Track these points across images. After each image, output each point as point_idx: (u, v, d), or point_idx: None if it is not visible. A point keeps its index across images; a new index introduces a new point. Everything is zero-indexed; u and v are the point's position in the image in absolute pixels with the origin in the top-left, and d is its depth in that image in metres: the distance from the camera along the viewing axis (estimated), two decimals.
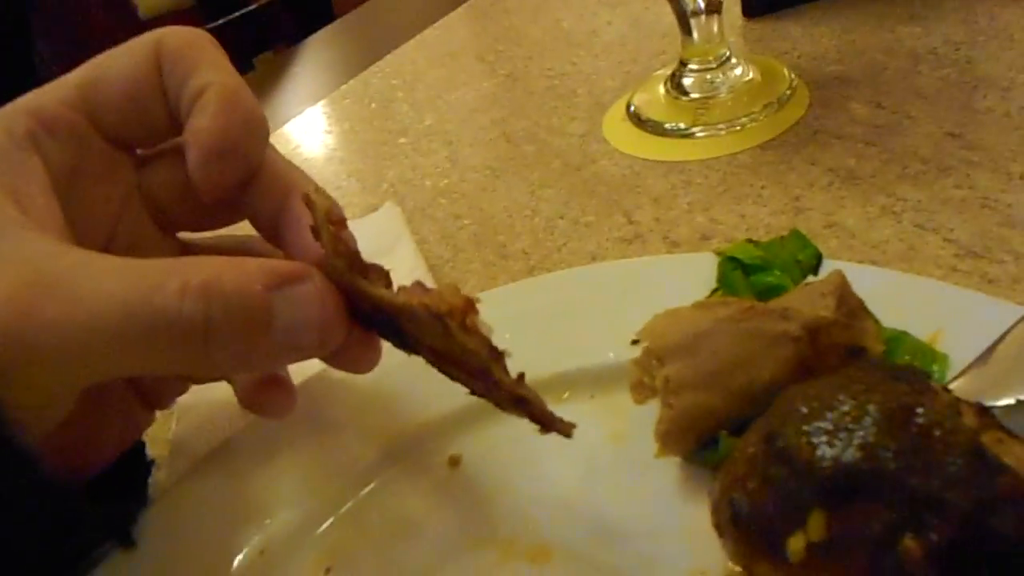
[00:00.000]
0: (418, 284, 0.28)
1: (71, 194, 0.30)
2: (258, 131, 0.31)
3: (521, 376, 0.27)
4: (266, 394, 0.33)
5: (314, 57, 0.93)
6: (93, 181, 0.31)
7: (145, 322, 0.25)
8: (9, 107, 0.30)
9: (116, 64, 0.31)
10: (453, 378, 0.30)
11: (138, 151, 0.33)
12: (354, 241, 0.29)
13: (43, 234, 0.27)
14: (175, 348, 0.25)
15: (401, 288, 0.28)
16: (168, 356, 0.26)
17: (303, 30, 1.21)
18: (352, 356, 0.31)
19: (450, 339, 0.27)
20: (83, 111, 0.30)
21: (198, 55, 0.31)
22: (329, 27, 0.98)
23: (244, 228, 0.35)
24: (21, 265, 0.25)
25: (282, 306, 0.26)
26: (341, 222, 0.28)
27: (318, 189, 0.29)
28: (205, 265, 0.26)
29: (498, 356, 0.27)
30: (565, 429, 0.27)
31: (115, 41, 0.32)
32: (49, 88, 0.31)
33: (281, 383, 0.34)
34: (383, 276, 0.28)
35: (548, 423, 0.27)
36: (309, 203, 0.28)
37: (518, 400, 0.27)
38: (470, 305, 0.27)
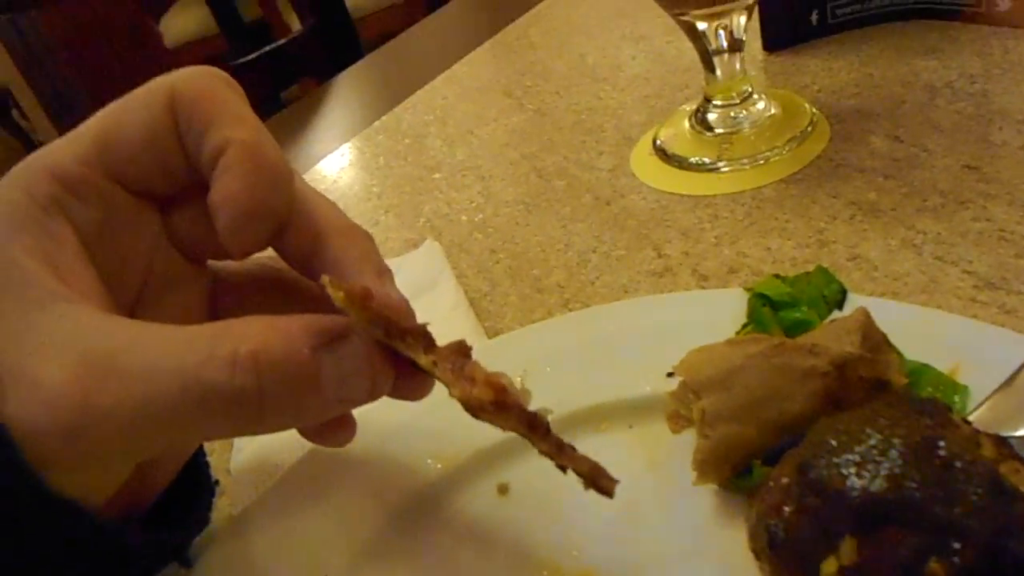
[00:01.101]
0: (457, 348, 0.29)
1: (101, 251, 0.30)
2: (285, 185, 0.30)
3: (561, 443, 0.28)
4: (327, 429, 0.35)
5: (345, 94, 0.96)
6: (121, 235, 0.31)
7: (199, 397, 0.25)
8: (24, 166, 0.30)
9: (131, 117, 0.30)
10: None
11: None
12: (392, 303, 0.30)
13: (87, 307, 0.27)
14: (231, 419, 0.26)
15: (439, 354, 0.28)
16: (223, 426, 0.27)
17: (331, 63, 1.24)
18: (404, 388, 0.31)
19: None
20: (101, 167, 0.30)
21: (215, 105, 0.30)
22: (358, 64, 1.02)
23: None
24: (72, 346, 0.26)
25: (330, 364, 0.27)
26: (367, 296, 0.28)
27: (331, 281, 0.28)
28: (251, 331, 0.26)
29: (536, 427, 0.28)
30: (607, 487, 0.28)
31: (141, 69, 0.32)
32: (64, 144, 0.30)
33: (341, 417, 0.35)
34: (421, 337, 0.29)
35: (590, 481, 0.28)
36: (327, 296, 0.28)
37: (560, 465, 0.28)
38: (502, 394, 0.27)
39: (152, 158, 0.30)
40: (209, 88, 0.30)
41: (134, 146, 0.30)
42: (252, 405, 0.26)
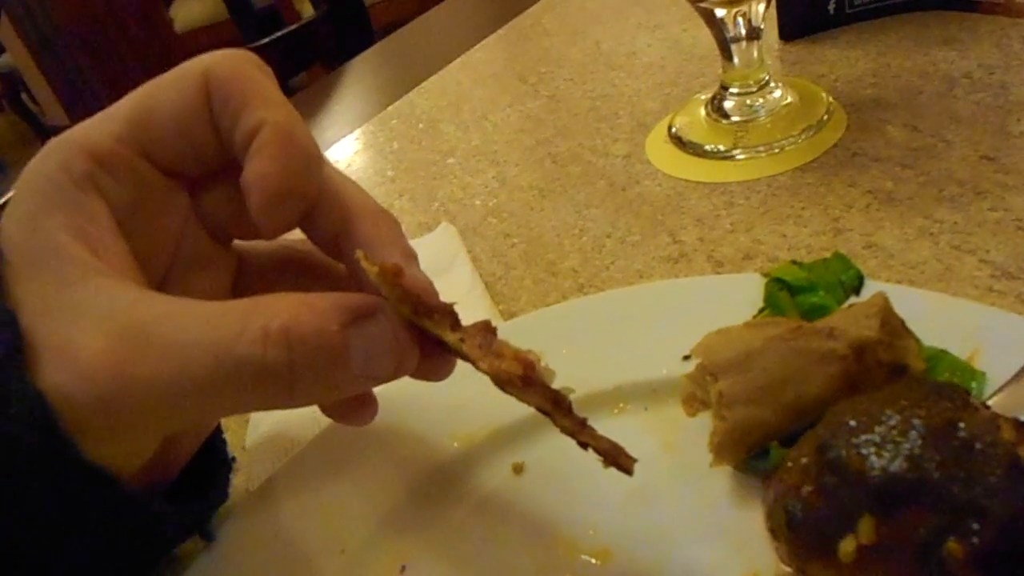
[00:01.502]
0: (483, 327, 0.29)
1: (133, 229, 0.30)
2: (316, 167, 0.31)
3: (583, 422, 0.28)
4: (350, 407, 0.35)
5: (358, 79, 0.97)
6: (152, 214, 0.31)
7: (232, 370, 0.26)
8: (60, 142, 0.30)
9: (165, 97, 0.31)
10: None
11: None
12: (419, 283, 0.30)
13: (122, 281, 0.28)
14: (261, 393, 0.27)
15: (466, 332, 0.29)
16: (254, 399, 0.27)
17: (342, 50, 1.24)
18: (427, 368, 0.32)
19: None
20: (134, 145, 0.30)
21: (248, 86, 0.30)
22: (371, 50, 1.02)
23: None
24: (107, 319, 0.26)
25: (358, 341, 0.27)
26: (399, 272, 0.28)
27: (365, 256, 0.29)
28: (282, 307, 0.26)
29: (559, 404, 0.28)
30: (627, 465, 0.29)
31: (152, 55, 0.32)
32: (98, 122, 0.31)
33: (363, 396, 0.35)
34: (448, 315, 0.29)
35: (610, 459, 0.28)
36: (360, 271, 0.29)
37: (581, 443, 0.29)
38: (530, 369, 0.28)
39: (184, 138, 0.31)
40: (242, 70, 0.31)
41: (167, 126, 0.31)
42: (283, 379, 0.26)
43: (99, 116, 0.31)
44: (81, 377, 0.25)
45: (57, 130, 0.32)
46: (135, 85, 0.32)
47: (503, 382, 0.28)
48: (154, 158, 0.31)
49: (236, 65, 0.31)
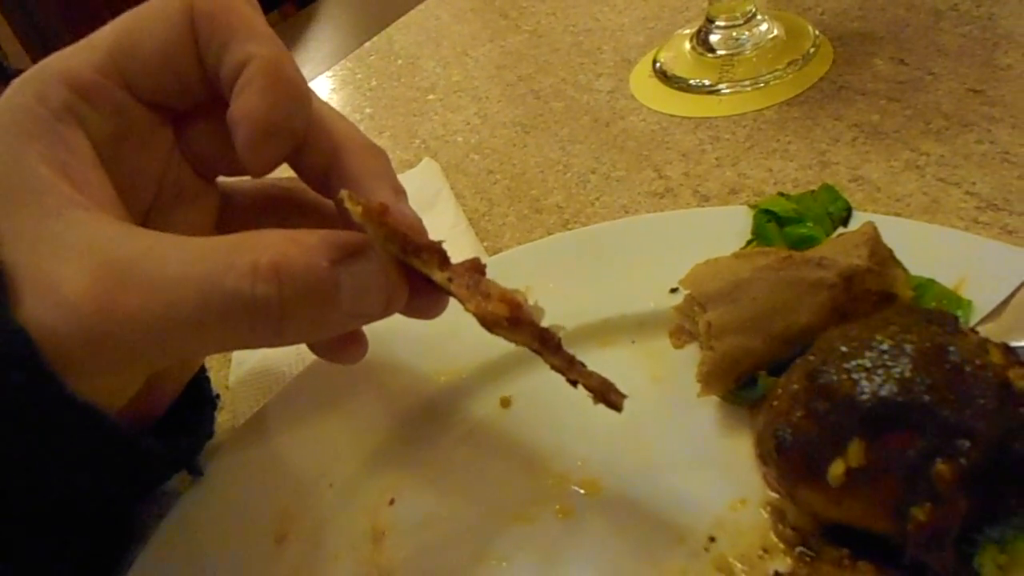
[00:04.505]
0: (472, 265, 0.28)
1: (114, 163, 0.29)
2: (304, 102, 0.30)
3: (572, 359, 0.28)
4: (339, 345, 0.34)
5: (333, 14, 0.94)
6: (135, 147, 0.30)
7: (220, 305, 0.25)
8: (36, 71, 0.29)
9: (148, 26, 0.30)
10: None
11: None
12: (407, 221, 0.29)
13: (102, 214, 0.27)
14: (249, 329, 0.26)
15: (454, 271, 0.28)
16: (242, 335, 0.26)
17: None
18: (418, 306, 0.31)
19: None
20: (115, 76, 0.29)
21: (235, 18, 0.29)
22: None
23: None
24: (90, 253, 0.25)
25: (347, 278, 0.27)
26: (384, 211, 0.27)
27: (350, 195, 0.28)
28: (270, 242, 0.26)
29: (548, 342, 0.28)
30: (616, 401, 0.28)
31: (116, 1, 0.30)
32: (78, 50, 0.29)
33: (353, 334, 0.34)
34: (436, 253, 0.28)
35: (600, 396, 0.28)
36: (344, 210, 0.28)
37: (570, 380, 0.28)
38: (517, 310, 0.27)
39: (168, 70, 0.30)
40: (229, 2, 0.30)
41: (150, 56, 0.29)
42: (272, 315, 0.26)
43: (78, 45, 0.30)
44: (64, 312, 0.25)
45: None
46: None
47: (490, 324, 0.27)
48: (136, 90, 0.30)
49: None
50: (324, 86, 0.75)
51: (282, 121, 0.29)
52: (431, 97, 0.66)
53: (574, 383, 0.28)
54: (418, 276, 0.29)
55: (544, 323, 0.28)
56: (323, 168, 0.32)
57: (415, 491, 0.35)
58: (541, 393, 0.37)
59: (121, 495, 0.34)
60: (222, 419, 0.42)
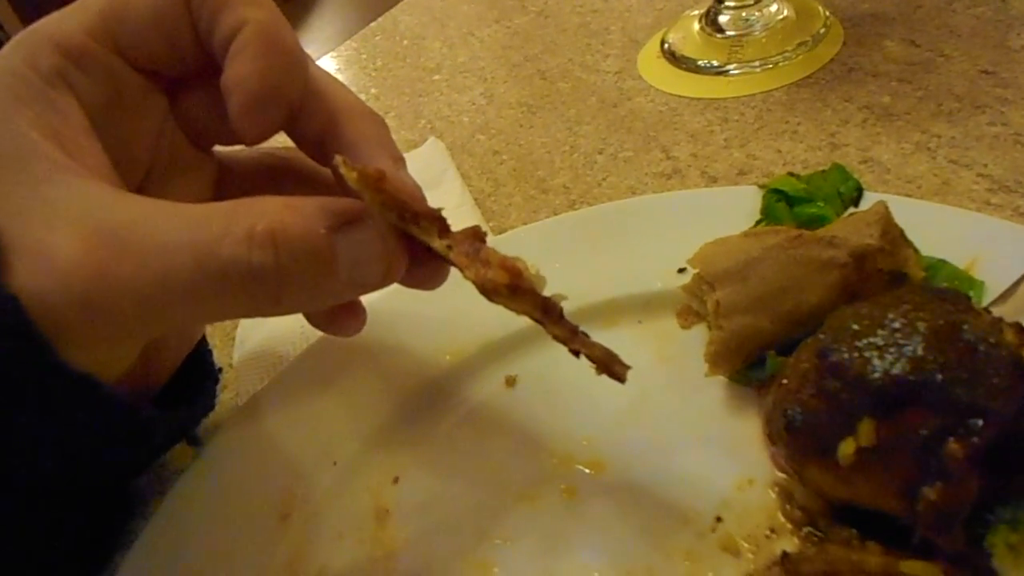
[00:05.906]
0: (472, 232, 0.28)
1: (107, 129, 0.29)
2: (300, 69, 0.29)
3: (575, 329, 0.28)
4: (337, 316, 0.34)
5: None
6: (128, 114, 0.30)
7: (216, 272, 0.24)
8: (26, 35, 0.28)
9: None
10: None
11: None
12: (405, 187, 0.29)
13: (95, 181, 0.26)
14: (247, 297, 0.25)
15: (454, 238, 0.28)
16: (239, 303, 0.26)
17: None
18: (418, 276, 0.31)
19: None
20: (107, 40, 0.29)
21: None
22: None
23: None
24: (83, 220, 0.25)
25: (345, 246, 0.26)
26: (381, 177, 0.27)
27: (344, 161, 0.27)
28: (267, 209, 0.25)
29: (550, 311, 0.27)
30: (620, 372, 0.28)
31: None
32: (69, 14, 0.29)
33: (351, 305, 0.34)
34: (435, 220, 0.28)
35: (603, 367, 0.28)
36: (340, 177, 0.27)
37: (573, 350, 0.28)
38: (516, 277, 0.27)
39: (161, 35, 0.29)
40: None
41: (143, 20, 0.29)
42: (270, 282, 0.25)
43: (70, 7, 0.29)
44: (57, 280, 0.24)
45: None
46: None
47: (489, 291, 0.27)
48: (129, 55, 0.29)
49: None
50: (329, 66, 0.74)
51: (276, 88, 0.28)
52: (437, 77, 0.65)
53: (577, 353, 0.28)
54: (418, 245, 0.28)
55: (546, 294, 0.28)
56: (320, 135, 0.31)
57: (419, 470, 0.35)
58: (546, 372, 0.37)
59: (118, 466, 0.33)
60: (225, 398, 0.42)
